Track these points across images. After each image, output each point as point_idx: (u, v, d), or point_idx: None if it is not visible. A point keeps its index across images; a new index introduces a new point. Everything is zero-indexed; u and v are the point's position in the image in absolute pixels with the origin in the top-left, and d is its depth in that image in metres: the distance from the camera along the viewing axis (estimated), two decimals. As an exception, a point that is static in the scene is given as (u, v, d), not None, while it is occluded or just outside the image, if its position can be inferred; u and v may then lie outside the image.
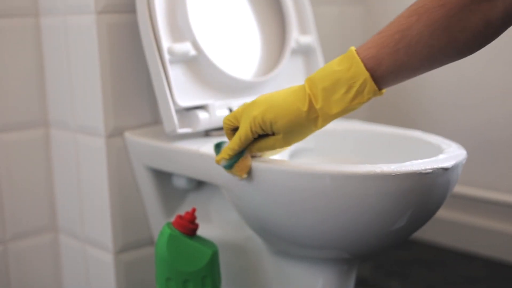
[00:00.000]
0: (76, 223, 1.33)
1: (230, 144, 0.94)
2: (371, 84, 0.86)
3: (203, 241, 1.11)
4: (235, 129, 0.96)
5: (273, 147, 0.94)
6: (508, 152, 1.68)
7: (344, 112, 0.89)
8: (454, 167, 0.95)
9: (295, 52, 1.34)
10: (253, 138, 0.93)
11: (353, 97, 0.87)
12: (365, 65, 0.86)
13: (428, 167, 0.92)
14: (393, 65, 0.86)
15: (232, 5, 1.29)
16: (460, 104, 1.75)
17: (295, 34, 1.33)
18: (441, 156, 0.98)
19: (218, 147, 0.98)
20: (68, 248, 1.37)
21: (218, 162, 0.96)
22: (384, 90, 0.89)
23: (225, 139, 1.17)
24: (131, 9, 1.21)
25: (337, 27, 1.75)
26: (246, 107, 0.93)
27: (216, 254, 1.11)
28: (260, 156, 0.98)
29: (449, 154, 0.99)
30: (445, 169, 0.93)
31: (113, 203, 1.25)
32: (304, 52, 1.36)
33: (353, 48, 0.88)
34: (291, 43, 1.32)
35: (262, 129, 0.91)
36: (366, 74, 0.86)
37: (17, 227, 1.32)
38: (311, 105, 0.89)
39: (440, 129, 1.73)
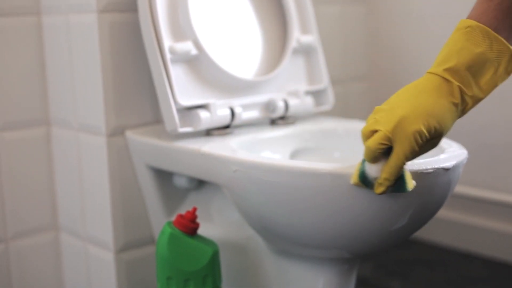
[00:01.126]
0: (77, 222, 1.34)
1: (393, 170, 0.83)
2: None
3: (204, 240, 1.11)
4: (387, 150, 0.84)
5: (427, 151, 0.86)
6: (509, 152, 1.68)
7: (493, 90, 0.86)
8: (455, 167, 0.95)
9: (296, 51, 1.34)
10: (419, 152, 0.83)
11: (501, 76, 0.85)
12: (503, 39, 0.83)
13: (429, 166, 0.92)
14: None
15: (234, 5, 1.29)
16: (461, 104, 1.75)
17: (296, 33, 1.33)
18: (442, 156, 0.98)
19: (365, 179, 0.86)
20: (69, 247, 1.37)
21: (383, 192, 0.85)
22: None
23: (225, 139, 1.17)
24: (133, 8, 1.21)
25: (339, 27, 1.75)
26: (395, 126, 0.81)
27: (217, 253, 1.11)
28: None
29: (450, 154, 0.99)
30: (446, 169, 0.93)
31: (114, 202, 1.25)
32: (306, 51, 1.36)
33: (473, 21, 0.83)
34: (293, 43, 1.32)
35: (427, 139, 0.83)
36: (510, 50, 0.83)
37: (18, 226, 1.32)
38: (462, 97, 0.84)
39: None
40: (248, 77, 1.25)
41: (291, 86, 1.33)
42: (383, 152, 0.83)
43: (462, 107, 0.85)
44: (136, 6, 1.20)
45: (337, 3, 1.75)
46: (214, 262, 1.10)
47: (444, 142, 1.08)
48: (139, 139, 1.23)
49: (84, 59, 1.23)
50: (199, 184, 1.26)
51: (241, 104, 1.23)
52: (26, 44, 1.29)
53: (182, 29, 1.18)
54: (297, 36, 1.33)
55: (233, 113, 1.20)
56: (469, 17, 0.85)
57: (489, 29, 0.82)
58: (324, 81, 1.37)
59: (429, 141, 0.84)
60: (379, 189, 0.85)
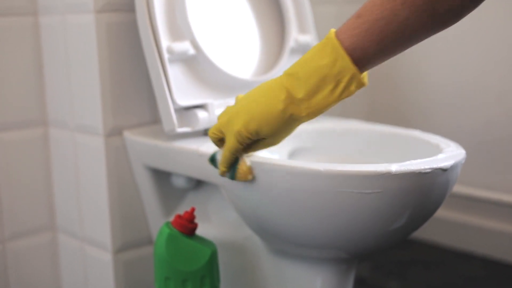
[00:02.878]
0: (74, 223, 1.33)
1: (222, 159, 0.95)
2: (358, 79, 0.84)
3: (202, 240, 1.11)
4: (222, 139, 0.96)
5: (268, 147, 0.95)
6: (507, 151, 1.68)
7: (330, 107, 0.87)
8: (453, 167, 0.95)
9: (294, 51, 1.34)
10: (243, 148, 0.93)
11: (340, 93, 0.85)
12: (351, 57, 0.83)
13: (427, 166, 0.92)
14: (379, 52, 0.83)
15: (232, 4, 1.28)
16: (459, 104, 1.75)
17: (294, 33, 1.33)
18: (440, 156, 0.98)
19: (212, 161, 0.99)
20: (66, 248, 1.37)
21: (222, 175, 0.97)
22: (366, 79, 0.86)
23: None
24: (130, 8, 1.21)
25: (336, 26, 1.75)
26: (227, 121, 0.92)
27: (215, 253, 1.10)
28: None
29: (448, 154, 0.99)
30: (444, 169, 0.93)
31: (112, 202, 1.24)
32: (303, 51, 1.36)
33: (333, 33, 0.84)
34: (290, 42, 1.32)
35: (250, 139, 0.91)
36: (353, 69, 0.83)
37: (15, 227, 1.32)
38: (292, 102, 0.87)
39: (439, 128, 1.73)
40: (246, 76, 1.25)
41: (289, 86, 1.32)
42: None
43: (297, 114, 0.87)
44: (133, 6, 1.20)
45: (335, 3, 1.75)
46: (212, 262, 1.09)
47: (442, 141, 1.08)
48: (137, 139, 1.22)
49: (82, 59, 1.23)
50: (197, 184, 1.26)
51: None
52: (23, 45, 1.29)
53: (179, 29, 1.18)
54: (295, 36, 1.33)
55: (231, 113, 1.20)
56: (338, 29, 0.85)
57: (339, 45, 0.83)
58: (322, 81, 1.37)
59: (257, 140, 0.92)
60: (219, 171, 0.97)
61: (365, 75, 0.87)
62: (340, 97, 0.85)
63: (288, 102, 0.87)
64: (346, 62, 0.83)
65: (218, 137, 0.95)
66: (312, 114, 0.87)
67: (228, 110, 0.94)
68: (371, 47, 0.82)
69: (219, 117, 0.95)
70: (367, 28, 0.82)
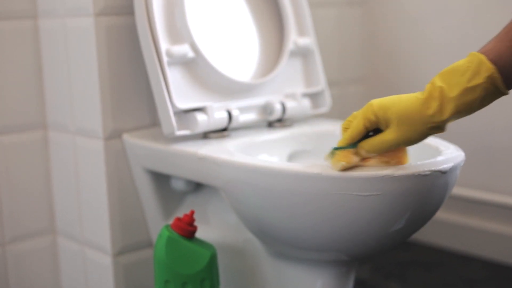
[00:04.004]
0: (74, 226, 1.33)
1: (345, 134, 0.92)
2: (486, 65, 0.84)
3: (202, 243, 1.11)
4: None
5: (385, 142, 0.89)
6: (506, 153, 1.68)
7: (464, 96, 0.85)
8: (452, 169, 0.95)
9: (293, 54, 1.34)
10: (365, 131, 0.90)
11: (469, 78, 0.84)
12: (486, 57, 0.85)
13: (426, 169, 0.92)
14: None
15: (231, 7, 1.29)
16: (458, 105, 1.75)
17: (293, 36, 1.33)
18: (439, 158, 0.98)
19: (332, 154, 0.93)
20: (66, 251, 1.37)
21: (334, 167, 0.92)
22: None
23: (222, 142, 1.17)
24: (129, 11, 1.21)
25: (335, 29, 1.76)
26: (365, 106, 0.91)
27: (215, 256, 1.10)
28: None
29: (447, 156, 0.99)
30: (443, 171, 0.93)
31: (111, 205, 1.24)
32: (303, 54, 1.37)
33: (481, 57, 0.85)
34: (290, 45, 1.32)
35: (376, 117, 0.88)
36: (489, 67, 0.84)
37: (15, 230, 1.32)
38: (429, 95, 0.86)
39: (438, 130, 1.73)
40: (245, 79, 1.25)
41: (288, 89, 1.33)
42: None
43: (432, 110, 0.86)
44: (132, 10, 1.20)
45: (334, 5, 1.75)
46: (211, 265, 1.09)
47: (441, 144, 1.08)
48: (136, 142, 1.22)
49: (81, 63, 1.23)
50: (197, 187, 1.26)
51: (238, 106, 1.23)
52: (23, 48, 1.29)
53: (179, 32, 1.18)
54: (294, 39, 1.33)
55: (230, 116, 1.20)
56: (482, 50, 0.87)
57: (483, 57, 0.85)
58: (321, 84, 1.37)
59: (376, 134, 0.90)
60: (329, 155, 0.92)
61: None
62: (469, 82, 0.84)
63: (426, 88, 0.87)
64: (484, 62, 0.85)
65: (348, 125, 0.92)
66: (446, 101, 0.86)
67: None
68: (504, 52, 0.85)
69: (354, 112, 0.94)
70: (500, 37, 0.86)
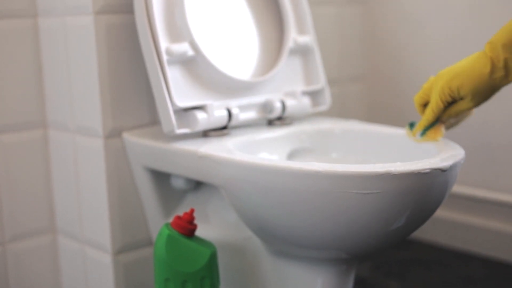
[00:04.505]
0: (74, 224, 1.33)
1: (425, 116, 1.06)
2: None
3: (202, 241, 1.11)
4: (425, 105, 1.08)
5: (463, 110, 1.04)
6: (506, 151, 1.68)
7: None
8: (452, 167, 0.95)
9: (293, 52, 1.34)
10: (444, 107, 1.04)
11: None
12: None
13: (426, 167, 0.92)
14: None
15: (230, 5, 1.29)
16: (458, 104, 1.75)
17: (293, 34, 1.33)
18: (439, 156, 0.98)
19: (412, 125, 1.11)
20: (66, 249, 1.37)
21: (412, 135, 1.10)
22: None
23: (222, 140, 1.17)
24: (129, 10, 1.21)
25: (335, 27, 1.75)
26: (432, 82, 1.04)
27: (215, 254, 1.10)
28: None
29: (447, 154, 0.99)
30: (443, 169, 0.93)
31: (111, 204, 1.24)
32: (302, 52, 1.37)
33: None
34: (289, 43, 1.32)
35: (451, 97, 1.02)
36: None
37: (15, 229, 1.32)
38: (493, 66, 0.98)
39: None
40: (245, 78, 1.25)
41: (288, 87, 1.33)
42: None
43: (498, 76, 0.99)
44: (132, 8, 1.20)
45: (334, 3, 1.75)
46: (212, 263, 1.09)
47: (442, 142, 1.08)
48: (136, 141, 1.23)
49: (81, 61, 1.23)
50: (197, 185, 1.26)
51: (238, 105, 1.23)
52: (23, 47, 1.29)
53: (178, 30, 1.18)
54: (294, 37, 1.33)
55: (230, 114, 1.20)
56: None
57: None
58: (321, 82, 1.37)
59: (456, 102, 1.03)
60: (412, 132, 1.10)
61: None
62: None
63: (489, 58, 0.98)
64: None
65: (423, 101, 1.07)
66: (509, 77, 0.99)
67: (432, 78, 1.05)
68: None
69: (424, 85, 1.07)
70: None
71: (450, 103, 1.04)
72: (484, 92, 1.00)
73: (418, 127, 1.08)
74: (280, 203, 0.97)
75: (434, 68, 1.76)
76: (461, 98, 1.02)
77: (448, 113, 1.06)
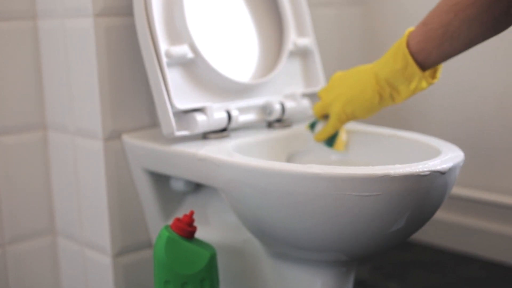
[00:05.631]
0: (74, 226, 1.33)
1: (326, 129, 1.20)
2: (426, 79, 1.05)
3: (201, 243, 1.11)
4: (324, 116, 1.22)
5: (357, 119, 1.17)
6: (505, 153, 1.68)
7: (409, 98, 1.10)
8: (451, 169, 0.95)
9: (292, 54, 1.34)
10: (342, 125, 1.18)
11: (413, 90, 1.07)
12: (417, 61, 1.03)
13: (426, 169, 0.92)
14: (440, 55, 1.02)
15: (230, 8, 1.29)
16: (457, 106, 1.75)
17: (292, 36, 1.33)
18: (438, 158, 0.98)
19: (312, 126, 1.24)
20: (66, 251, 1.37)
21: (317, 140, 1.23)
22: (438, 75, 1.08)
23: (222, 142, 1.17)
24: (129, 12, 1.21)
25: (335, 29, 1.76)
26: (329, 103, 1.17)
27: (214, 256, 1.11)
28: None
29: (447, 156, 0.99)
30: (443, 172, 0.93)
31: (111, 205, 1.25)
32: (302, 54, 1.37)
33: (404, 39, 1.04)
34: (289, 45, 1.32)
35: (348, 119, 1.16)
36: (420, 74, 1.04)
37: (15, 230, 1.32)
38: (381, 97, 1.10)
39: (437, 131, 1.74)
40: (244, 80, 1.25)
41: (288, 89, 1.33)
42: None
43: (385, 102, 1.11)
44: (132, 10, 1.20)
45: (333, 5, 1.75)
46: (211, 265, 1.09)
47: (441, 144, 1.08)
48: (136, 143, 1.23)
49: (81, 63, 1.23)
50: (196, 187, 1.26)
51: (238, 107, 1.23)
52: (22, 48, 1.29)
53: (178, 33, 1.18)
54: (294, 39, 1.33)
55: (229, 116, 1.20)
56: (410, 33, 1.05)
57: (407, 53, 1.03)
58: (320, 84, 1.37)
59: (352, 118, 1.16)
60: (316, 137, 1.23)
61: (439, 68, 1.07)
62: (414, 92, 1.08)
63: (377, 90, 1.10)
64: (413, 68, 1.04)
65: (323, 113, 1.21)
66: (397, 101, 1.11)
67: (329, 90, 1.18)
68: (433, 51, 1.01)
69: (322, 96, 1.20)
70: (430, 36, 1.01)
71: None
72: (376, 111, 1.14)
73: (322, 136, 1.21)
74: (279, 205, 0.97)
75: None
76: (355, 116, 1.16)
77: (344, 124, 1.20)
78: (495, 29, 0.98)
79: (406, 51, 1.03)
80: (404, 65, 1.04)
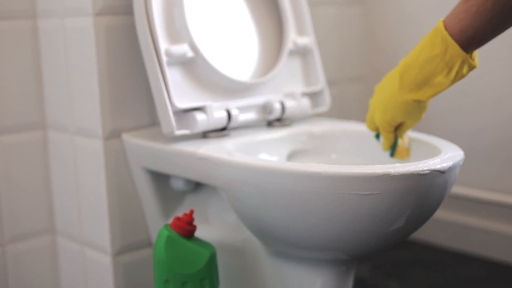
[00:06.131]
0: (74, 225, 1.33)
1: (384, 142, 1.12)
2: (469, 62, 0.94)
3: (201, 242, 1.11)
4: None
5: (410, 127, 1.09)
6: (505, 152, 1.68)
7: (447, 88, 0.99)
8: (451, 168, 0.95)
9: (292, 53, 1.34)
10: (393, 132, 1.10)
11: (454, 77, 0.96)
12: (461, 41, 0.92)
13: (426, 168, 0.92)
14: (490, 30, 0.91)
15: (230, 7, 1.29)
16: (457, 105, 1.75)
17: (292, 35, 1.33)
18: (438, 158, 0.98)
19: (377, 137, 1.17)
20: (66, 251, 1.37)
21: (384, 150, 1.14)
22: (476, 60, 0.96)
23: (222, 141, 1.18)
24: (129, 11, 1.21)
25: (335, 28, 1.75)
26: (371, 114, 1.10)
27: (214, 255, 1.11)
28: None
29: (447, 155, 0.99)
30: (443, 171, 0.93)
31: (111, 205, 1.25)
32: (302, 53, 1.37)
33: (441, 23, 0.94)
34: (289, 45, 1.32)
35: (392, 126, 1.08)
36: (463, 55, 0.93)
37: (15, 230, 1.32)
38: (410, 90, 1.01)
39: (437, 130, 1.74)
40: (244, 79, 1.25)
41: (288, 88, 1.33)
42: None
43: (423, 103, 1.03)
44: (132, 9, 1.20)
45: (333, 4, 1.75)
46: (211, 264, 1.09)
47: (441, 143, 1.08)
48: (136, 142, 1.23)
49: (80, 63, 1.23)
50: (196, 186, 1.26)
51: (238, 106, 1.23)
52: (22, 48, 1.29)
53: (178, 32, 1.18)
54: (293, 38, 1.33)
55: (229, 115, 1.20)
56: (446, 16, 0.95)
57: (447, 35, 0.93)
58: (320, 83, 1.37)
59: (401, 123, 1.08)
60: (383, 148, 1.14)
61: (475, 56, 0.96)
62: (454, 81, 0.96)
63: (406, 90, 1.01)
64: (456, 49, 0.93)
65: (374, 128, 1.12)
66: (431, 96, 1.00)
67: (373, 98, 1.10)
68: (482, 26, 0.90)
69: (370, 105, 1.11)
70: (476, 10, 0.90)
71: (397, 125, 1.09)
72: (415, 114, 1.05)
73: (383, 146, 1.14)
74: (279, 204, 0.97)
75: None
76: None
77: (400, 133, 1.11)
78: None
79: (445, 33, 0.93)
80: (443, 48, 0.94)
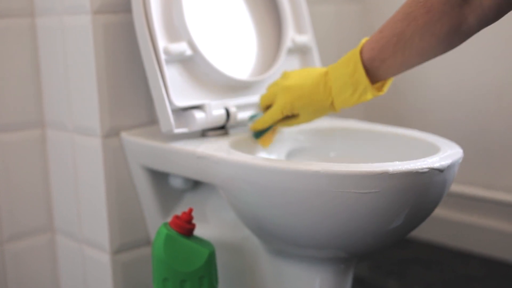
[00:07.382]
0: (73, 224, 1.33)
1: (263, 119, 1.14)
2: (371, 90, 1.01)
3: (200, 241, 1.11)
4: (268, 106, 1.15)
5: (294, 124, 1.13)
6: (504, 150, 1.68)
7: (353, 105, 1.06)
8: (450, 166, 0.95)
9: (291, 51, 1.34)
10: (282, 118, 1.12)
11: (357, 98, 1.03)
12: (367, 68, 1.00)
13: (425, 166, 0.92)
14: (394, 65, 0.99)
15: (228, 5, 1.28)
16: (456, 103, 1.75)
17: (291, 33, 1.33)
18: (437, 156, 0.98)
19: (252, 118, 1.18)
20: (65, 249, 1.37)
21: (252, 129, 1.17)
22: (385, 89, 1.03)
23: (221, 140, 1.17)
24: (127, 9, 1.21)
25: (334, 26, 1.75)
26: (279, 91, 1.11)
27: (213, 254, 1.10)
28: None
29: (446, 153, 0.99)
30: (441, 169, 0.93)
31: (109, 203, 1.24)
32: (301, 51, 1.36)
33: (360, 46, 1.01)
34: (288, 43, 1.32)
35: (291, 112, 1.10)
36: (366, 83, 1.00)
37: (14, 228, 1.32)
38: (330, 95, 1.06)
39: (436, 128, 1.74)
40: (243, 77, 1.25)
41: (286, 86, 1.32)
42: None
43: (333, 106, 1.07)
44: (130, 7, 1.20)
45: (332, 2, 1.75)
46: (210, 262, 1.09)
47: (440, 141, 1.08)
48: (134, 140, 1.22)
49: (79, 61, 1.23)
50: (195, 184, 1.26)
51: (236, 104, 1.23)
52: (21, 46, 1.29)
53: (176, 30, 1.18)
54: (292, 36, 1.33)
55: (228, 113, 1.20)
56: (366, 40, 1.01)
57: (359, 59, 1.00)
58: (319, 81, 1.37)
59: (292, 116, 1.11)
60: (252, 126, 1.17)
61: (387, 85, 1.03)
62: (358, 101, 1.04)
63: (327, 94, 1.05)
64: (361, 75, 1.00)
65: (268, 103, 1.14)
66: (340, 108, 1.07)
67: (278, 82, 1.12)
68: (388, 59, 0.98)
69: (270, 87, 1.15)
70: (384, 43, 0.98)
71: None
72: (319, 115, 1.10)
73: (257, 125, 1.15)
74: (278, 202, 0.97)
75: (433, 67, 1.76)
76: (297, 115, 1.10)
77: (283, 124, 1.14)
78: (448, 43, 0.95)
79: (358, 58, 1.00)
80: (353, 70, 1.01)
